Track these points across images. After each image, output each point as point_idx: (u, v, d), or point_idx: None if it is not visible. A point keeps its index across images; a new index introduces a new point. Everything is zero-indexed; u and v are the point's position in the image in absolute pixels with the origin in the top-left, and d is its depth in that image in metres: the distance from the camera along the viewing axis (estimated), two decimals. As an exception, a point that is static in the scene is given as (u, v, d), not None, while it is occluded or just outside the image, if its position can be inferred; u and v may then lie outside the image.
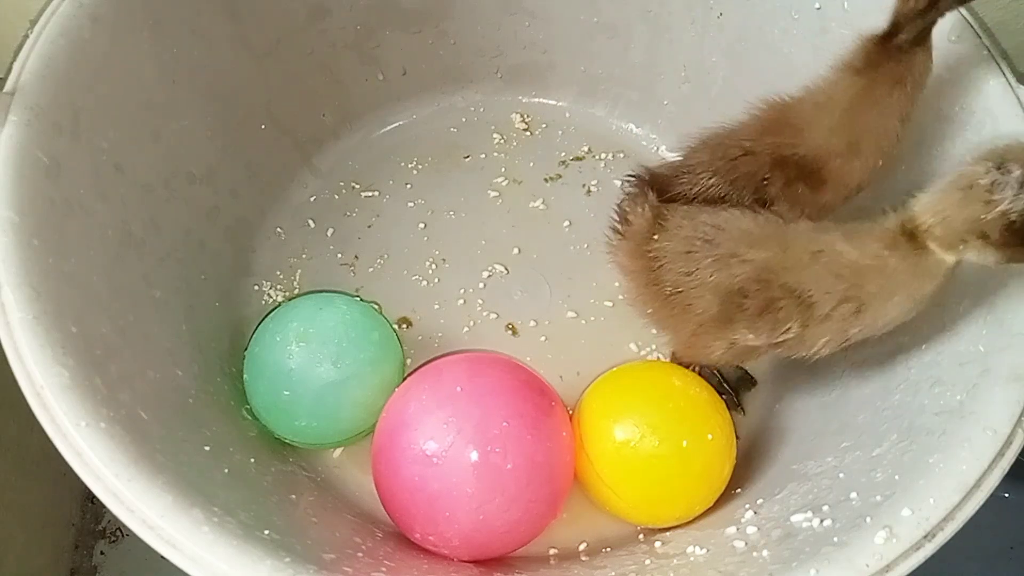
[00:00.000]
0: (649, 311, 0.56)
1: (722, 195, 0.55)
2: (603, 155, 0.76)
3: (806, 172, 0.53)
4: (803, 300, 0.47)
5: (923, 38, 0.48)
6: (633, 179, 0.57)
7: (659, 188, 0.57)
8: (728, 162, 0.55)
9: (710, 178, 0.55)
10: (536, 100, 0.78)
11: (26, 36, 0.49)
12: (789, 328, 0.48)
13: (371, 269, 0.69)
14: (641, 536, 0.56)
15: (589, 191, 0.74)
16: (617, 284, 0.69)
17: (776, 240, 0.49)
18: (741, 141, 0.55)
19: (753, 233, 0.50)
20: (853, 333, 0.48)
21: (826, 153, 0.52)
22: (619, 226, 0.56)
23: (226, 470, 0.48)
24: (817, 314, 0.47)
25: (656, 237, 0.53)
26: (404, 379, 0.58)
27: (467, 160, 0.75)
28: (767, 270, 0.48)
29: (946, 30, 0.52)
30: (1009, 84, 0.50)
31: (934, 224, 0.42)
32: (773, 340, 0.49)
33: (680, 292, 0.52)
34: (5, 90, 0.46)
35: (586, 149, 0.76)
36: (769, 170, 0.54)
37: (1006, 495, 0.72)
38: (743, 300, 0.49)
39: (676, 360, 0.61)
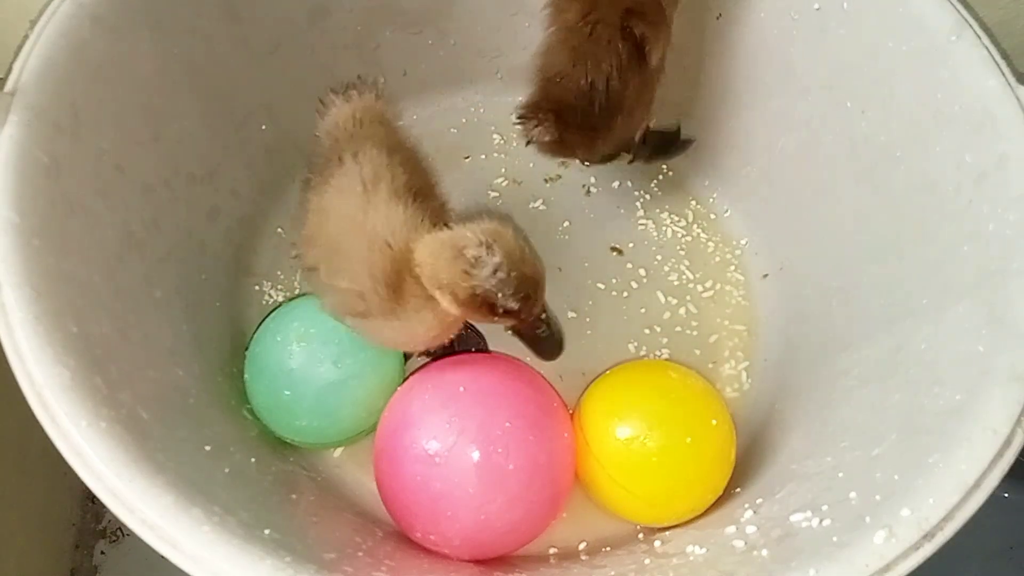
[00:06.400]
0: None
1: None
2: (603, 155, 0.76)
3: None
4: (333, 261, 0.50)
5: None
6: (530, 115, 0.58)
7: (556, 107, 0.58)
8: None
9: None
10: (536, 100, 0.78)
11: (26, 36, 0.49)
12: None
13: (371, 269, 0.69)
14: (641, 535, 0.56)
15: (589, 191, 0.74)
16: (615, 281, 0.69)
17: (367, 203, 0.49)
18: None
19: (363, 183, 0.50)
20: (348, 323, 0.53)
21: None
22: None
23: (227, 470, 0.48)
24: (336, 282, 0.50)
25: (338, 140, 0.54)
26: (405, 379, 0.58)
27: (467, 160, 0.75)
28: (337, 219, 0.50)
29: (946, 30, 0.52)
30: (1009, 84, 0.50)
31: (423, 264, 0.47)
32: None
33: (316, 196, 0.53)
34: (5, 90, 0.46)
35: (586, 149, 0.76)
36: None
37: (1006, 495, 0.72)
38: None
39: None
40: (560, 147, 0.60)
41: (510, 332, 0.53)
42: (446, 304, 0.47)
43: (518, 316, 0.48)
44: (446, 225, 0.49)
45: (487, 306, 0.46)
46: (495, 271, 0.45)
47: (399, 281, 0.48)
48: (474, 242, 0.45)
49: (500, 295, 0.45)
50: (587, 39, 0.57)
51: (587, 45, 0.57)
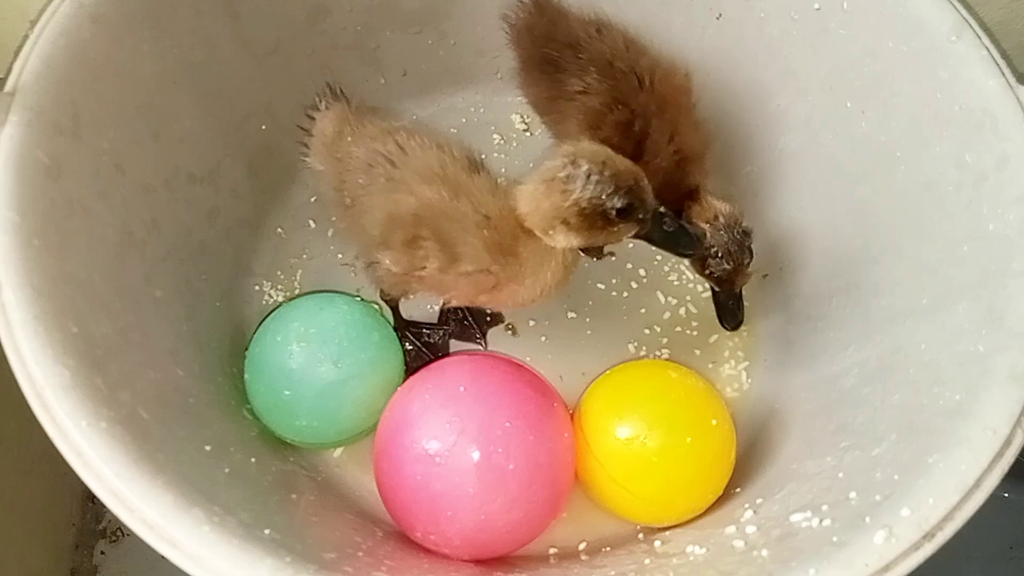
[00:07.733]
0: (333, 218, 0.56)
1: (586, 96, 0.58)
2: (603, 155, 0.76)
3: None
4: (448, 250, 0.50)
5: None
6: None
7: (543, 24, 0.59)
8: (617, 79, 0.58)
9: (595, 82, 0.58)
10: (536, 100, 0.78)
11: (26, 36, 0.49)
12: (425, 268, 0.51)
13: (371, 269, 0.69)
14: (641, 535, 0.56)
15: (589, 191, 0.74)
16: (615, 282, 0.69)
17: (450, 186, 0.50)
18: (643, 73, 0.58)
19: (432, 169, 0.51)
20: (482, 301, 0.53)
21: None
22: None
23: (227, 470, 0.48)
24: (460, 269, 0.50)
25: (350, 140, 0.55)
26: (405, 379, 0.58)
27: (467, 160, 0.75)
28: (427, 208, 0.50)
29: (946, 30, 0.52)
30: (1009, 84, 0.50)
31: (528, 213, 0.48)
32: (411, 272, 0.52)
33: (354, 206, 0.53)
34: (5, 90, 0.46)
35: (586, 149, 0.76)
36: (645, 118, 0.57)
37: (1006, 495, 0.72)
38: (397, 228, 0.51)
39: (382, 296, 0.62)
40: (514, 29, 0.63)
41: (644, 242, 0.51)
42: (564, 240, 0.48)
43: (635, 217, 0.47)
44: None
45: (601, 217, 0.46)
46: (588, 176, 0.45)
47: (514, 243, 0.49)
48: (559, 164, 0.46)
49: (604, 197, 0.46)
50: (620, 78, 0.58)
51: (616, 81, 0.58)
